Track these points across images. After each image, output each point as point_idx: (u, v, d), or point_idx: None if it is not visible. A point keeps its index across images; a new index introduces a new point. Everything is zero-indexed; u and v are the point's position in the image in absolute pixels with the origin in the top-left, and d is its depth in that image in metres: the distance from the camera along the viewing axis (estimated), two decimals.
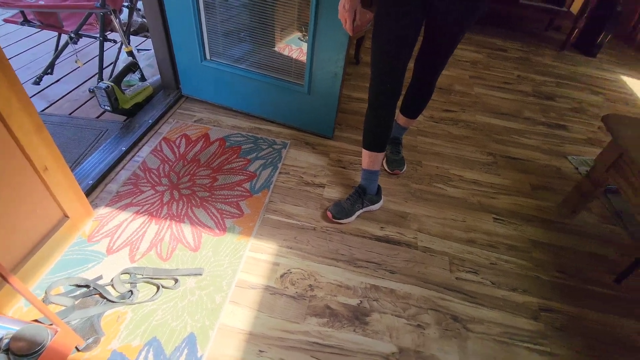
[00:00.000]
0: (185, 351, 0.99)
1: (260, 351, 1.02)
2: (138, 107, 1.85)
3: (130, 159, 1.57)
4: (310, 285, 1.19)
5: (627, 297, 1.29)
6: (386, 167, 1.67)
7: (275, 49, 1.70)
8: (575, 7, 3.27)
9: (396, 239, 1.38)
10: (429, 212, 1.50)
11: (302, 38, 1.64)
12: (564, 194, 1.61)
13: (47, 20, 1.91)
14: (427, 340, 1.10)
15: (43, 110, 1.88)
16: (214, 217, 1.36)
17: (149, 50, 2.38)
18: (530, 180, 1.72)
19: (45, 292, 1.05)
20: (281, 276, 1.21)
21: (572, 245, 1.44)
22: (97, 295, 1.07)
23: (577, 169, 1.83)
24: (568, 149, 1.98)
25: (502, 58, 2.88)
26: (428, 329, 1.12)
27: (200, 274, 1.17)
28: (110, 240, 1.24)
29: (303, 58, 1.61)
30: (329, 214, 1.39)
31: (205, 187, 1.47)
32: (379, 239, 1.37)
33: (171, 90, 1.96)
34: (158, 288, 1.10)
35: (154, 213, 1.34)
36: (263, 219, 1.39)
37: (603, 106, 2.46)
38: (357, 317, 1.13)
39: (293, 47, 1.70)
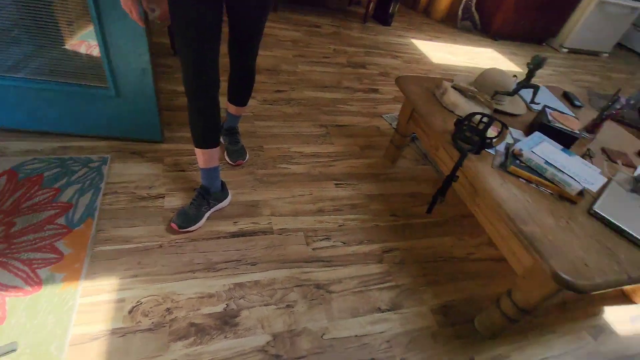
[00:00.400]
0: None
1: None
2: None
3: None
4: (167, 309, 1.08)
5: (438, 221, 1.62)
6: (228, 159, 1.62)
7: (67, 47, 1.39)
8: None
9: (251, 230, 1.37)
10: (278, 194, 1.54)
11: None
12: (384, 149, 1.88)
13: None
14: (297, 316, 1.15)
15: None
16: (19, 273, 1.07)
17: None
18: (358, 143, 1.95)
19: None
20: (130, 312, 1.06)
21: (397, 191, 1.71)
22: None
23: (391, 124, 2.17)
24: (382, 109, 2.31)
25: (318, 34, 3.10)
26: (296, 305, 1.17)
27: (15, 349, 0.92)
28: None
29: None
30: (174, 226, 1.27)
31: None
32: (234, 235, 1.34)
33: None
34: None
35: None
36: (93, 254, 1.17)
37: (402, 67, 2.95)
38: (226, 321, 1.09)
39: (91, 42, 1.41)
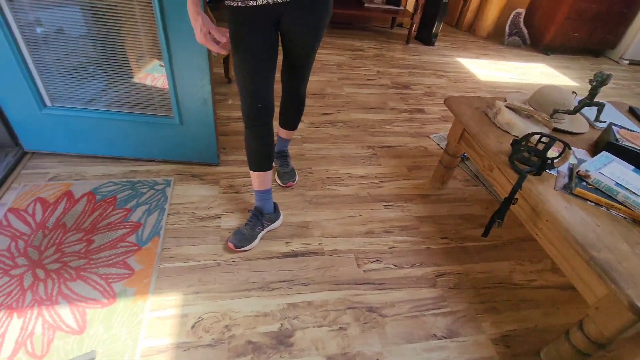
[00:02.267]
0: None
1: None
2: None
3: None
4: (226, 326, 1.13)
5: (495, 245, 1.55)
6: (279, 181, 1.68)
7: (136, 80, 1.55)
8: (409, 5, 3.80)
9: (303, 250, 1.40)
10: (328, 216, 1.57)
11: (163, 64, 1.54)
12: (433, 169, 1.85)
13: None
14: (351, 339, 1.14)
15: None
16: (97, 286, 1.18)
17: None
18: (405, 164, 1.94)
19: None
20: (192, 327, 1.11)
21: (447, 212, 1.67)
22: None
23: (439, 145, 2.14)
24: (429, 129, 2.29)
25: (361, 57, 3.17)
26: (349, 328, 1.17)
27: (94, 358, 1.00)
28: None
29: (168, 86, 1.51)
30: (231, 245, 1.33)
31: (79, 254, 1.27)
32: (286, 255, 1.38)
33: (9, 148, 1.63)
34: None
35: (14, 304, 1.10)
36: (159, 270, 1.26)
37: (448, 86, 2.91)
38: (281, 341, 1.11)
39: (155, 75, 1.57)
